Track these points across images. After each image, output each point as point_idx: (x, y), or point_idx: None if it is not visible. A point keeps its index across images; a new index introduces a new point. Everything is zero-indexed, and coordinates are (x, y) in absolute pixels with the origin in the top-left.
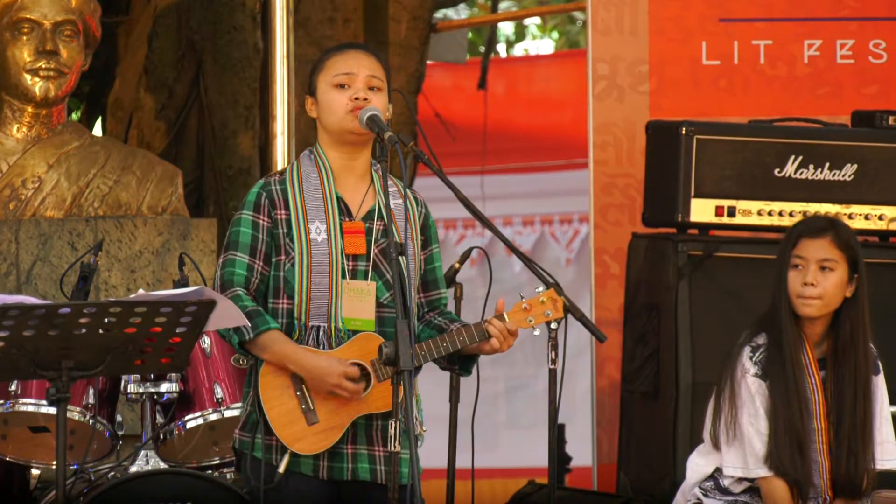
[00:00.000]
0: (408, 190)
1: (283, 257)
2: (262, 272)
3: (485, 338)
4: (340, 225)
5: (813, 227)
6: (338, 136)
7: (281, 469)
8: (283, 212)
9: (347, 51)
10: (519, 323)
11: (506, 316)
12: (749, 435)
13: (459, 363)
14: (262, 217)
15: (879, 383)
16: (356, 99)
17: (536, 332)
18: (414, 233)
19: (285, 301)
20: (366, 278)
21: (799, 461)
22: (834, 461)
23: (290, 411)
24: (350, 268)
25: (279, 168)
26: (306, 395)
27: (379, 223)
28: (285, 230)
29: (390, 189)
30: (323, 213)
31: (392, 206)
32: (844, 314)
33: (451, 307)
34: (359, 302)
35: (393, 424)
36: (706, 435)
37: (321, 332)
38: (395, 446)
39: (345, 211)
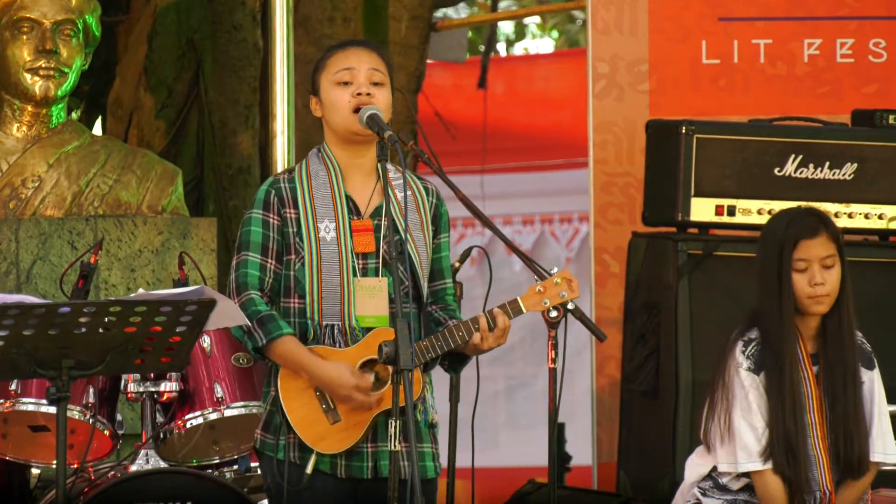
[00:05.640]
0: (418, 180)
1: (293, 256)
2: (275, 271)
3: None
4: (349, 223)
5: (808, 227)
6: (343, 135)
7: (309, 469)
8: (292, 210)
9: (348, 48)
10: (534, 306)
11: (520, 300)
12: (740, 429)
13: (450, 361)
14: (272, 215)
15: (875, 377)
16: (359, 95)
17: (554, 314)
18: (424, 223)
19: (297, 301)
20: (377, 275)
21: (793, 457)
22: (833, 446)
23: (311, 412)
24: (360, 266)
25: (279, 167)
26: (326, 395)
27: (387, 219)
28: (295, 229)
29: (398, 181)
30: (332, 212)
31: (400, 197)
32: (835, 305)
33: None
34: (371, 298)
35: (392, 424)
36: (702, 436)
37: (336, 331)
38: (395, 445)
39: (353, 209)
